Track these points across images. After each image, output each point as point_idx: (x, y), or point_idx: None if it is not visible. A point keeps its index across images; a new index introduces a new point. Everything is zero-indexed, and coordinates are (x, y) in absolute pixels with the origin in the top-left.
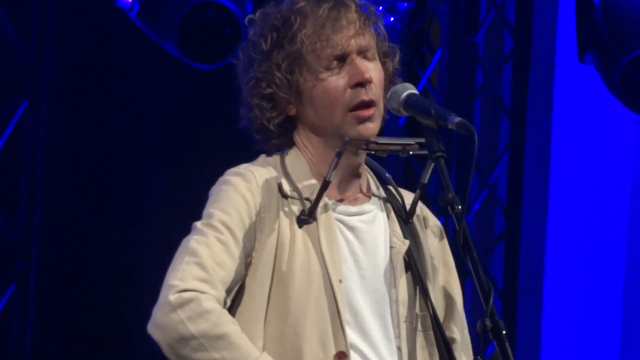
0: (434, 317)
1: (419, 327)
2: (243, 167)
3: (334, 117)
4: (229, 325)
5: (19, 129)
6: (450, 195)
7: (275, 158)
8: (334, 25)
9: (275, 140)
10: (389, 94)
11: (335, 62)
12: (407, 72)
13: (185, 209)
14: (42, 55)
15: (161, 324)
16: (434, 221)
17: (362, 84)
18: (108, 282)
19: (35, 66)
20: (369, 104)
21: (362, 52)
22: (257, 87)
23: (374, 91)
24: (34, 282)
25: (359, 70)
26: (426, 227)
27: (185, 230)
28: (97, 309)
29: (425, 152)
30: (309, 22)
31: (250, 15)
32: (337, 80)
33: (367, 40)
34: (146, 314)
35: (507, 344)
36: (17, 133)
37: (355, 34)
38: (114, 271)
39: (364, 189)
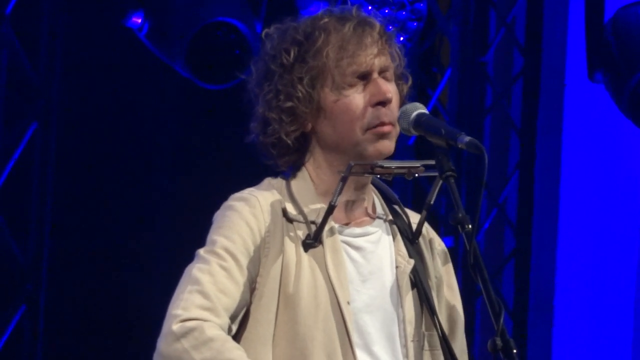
0: (442, 334)
1: (426, 346)
2: (247, 192)
3: (353, 135)
4: (233, 351)
5: (28, 151)
6: (460, 215)
7: (280, 182)
8: (359, 43)
9: (288, 157)
10: (399, 113)
11: (357, 80)
12: (417, 92)
13: (197, 230)
14: (51, 77)
15: (166, 354)
16: (439, 244)
17: (383, 103)
18: (118, 303)
19: (45, 88)
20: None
21: (382, 72)
22: (276, 101)
23: (393, 112)
24: (45, 303)
25: (380, 90)
26: (432, 250)
27: (197, 247)
28: (107, 331)
29: (431, 174)
30: (334, 38)
31: (267, 30)
32: (358, 98)
33: (388, 60)
34: (156, 337)
35: None
36: (26, 155)
37: (378, 53)
38: (124, 293)
39: (370, 211)
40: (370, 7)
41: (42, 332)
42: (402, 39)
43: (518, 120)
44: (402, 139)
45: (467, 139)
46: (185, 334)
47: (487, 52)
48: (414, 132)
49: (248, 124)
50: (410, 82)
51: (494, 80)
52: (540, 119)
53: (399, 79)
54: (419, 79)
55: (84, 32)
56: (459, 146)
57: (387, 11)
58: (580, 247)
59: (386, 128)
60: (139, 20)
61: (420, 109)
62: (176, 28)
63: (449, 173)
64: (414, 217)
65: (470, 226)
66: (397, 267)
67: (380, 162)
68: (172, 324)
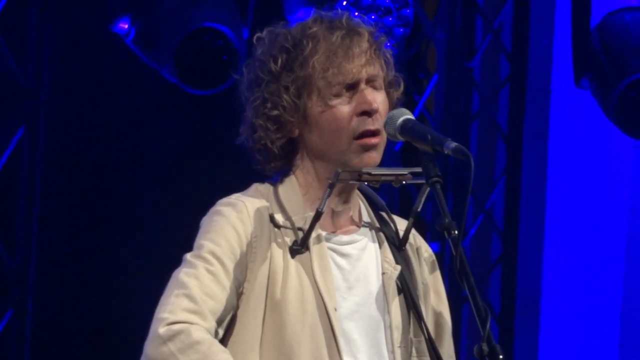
0: (429, 340)
1: (414, 352)
2: (234, 197)
3: (339, 144)
4: (220, 354)
5: (16, 155)
6: (446, 221)
7: (268, 187)
8: (347, 54)
9: (274, 163)
10: (385, 119)
11: (344, 90)
12: (404, 97)
13: (185, 235)
14: (39, 81)
15: (153, 357)
16: (427, 251)
17: (369, 113)
18: (106, 307)
19: (33, 92)
20: (374, 133)
21: (371, 82)
22: (263, 108)
23: (380, 121)
24: (31, 307)
25: (366, 100)
26: (419, 257)
27: (184, 251)
28: (94, 335)
29: (419, 181)
30: (321, 48)
31: (259, 34)
32: (345, 108)
33: (377, 69)
34: (144, 340)
35: None
36: (14, 159)
37: (366, 63)
38: (112, 297)
39: (356, 218)
40: (357, 13)
41: (29, 336)
42: (388, 44)
43: (504, 126)
44: (388, 145)
45: (454, 144)
46: (172, 337)
47: (473, 58)
48: (400, 138)
49: (236, 129)
50: (402, 86)
51: (480, 86)
52: (527, 125)
53: (389, 86)
54: (405, 84)
55: (71, 36)
56: (445, 152)
57: (373, 17)
58: (567, 252)
59: (373, 140)
60: (126, 26)
61: (406, 114)
62: (163, 34)
63: (435, 179)
64: (401, 224)
65: (456, 232)
66: (383, 273)
67: (368, 170)
68: (159, 327)
